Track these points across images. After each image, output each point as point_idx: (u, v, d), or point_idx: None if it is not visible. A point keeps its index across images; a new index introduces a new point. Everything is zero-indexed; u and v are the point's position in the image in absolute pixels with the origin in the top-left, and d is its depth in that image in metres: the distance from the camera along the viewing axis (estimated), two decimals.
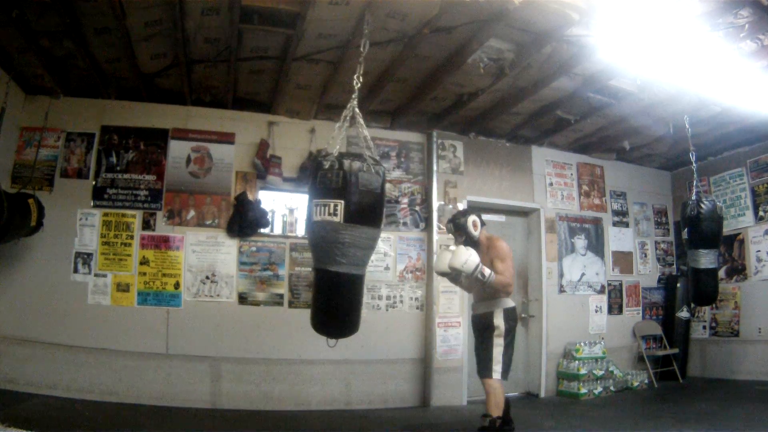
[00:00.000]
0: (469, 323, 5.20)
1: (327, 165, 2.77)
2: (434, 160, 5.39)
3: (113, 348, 4.39)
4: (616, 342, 5.93)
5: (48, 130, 4.62)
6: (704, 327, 6.17)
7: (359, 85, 3.05)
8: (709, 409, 4.53)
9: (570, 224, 6.00)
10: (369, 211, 2.78)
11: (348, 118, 2.99)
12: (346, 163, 2.74)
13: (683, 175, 6.43)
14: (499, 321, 3.56)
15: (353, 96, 3.02)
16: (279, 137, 5.03)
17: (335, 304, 2.81)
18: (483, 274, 3.40)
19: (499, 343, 3.52)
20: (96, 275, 4.51)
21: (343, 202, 2.68)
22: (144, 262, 4.60)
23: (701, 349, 6.16)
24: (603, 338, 5.78)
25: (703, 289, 4.75)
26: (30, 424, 3.15)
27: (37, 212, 4.08)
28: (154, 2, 3.39)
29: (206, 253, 4.73)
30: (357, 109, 3.01)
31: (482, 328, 3.66)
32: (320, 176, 2.77)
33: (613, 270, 6.19)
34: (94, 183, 4.66)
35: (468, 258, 3.38)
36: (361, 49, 3.13)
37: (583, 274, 5.96)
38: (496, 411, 3.37)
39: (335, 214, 2.68)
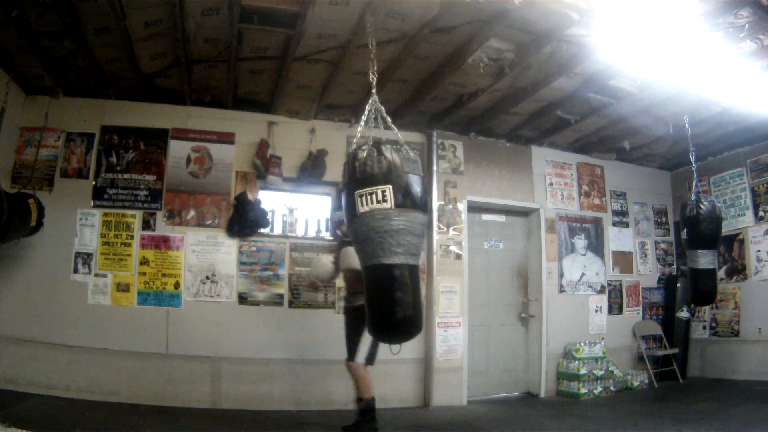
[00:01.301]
0: (469, 323, 5.26)
1: (364, 153, 2.63)
2: (434, 160, 5.39)
3: (113, 348, 4.38)
4: (616, 342, 5.93)
5: (48, 130, 4.61)
6: (704, 327, 6.17)
7: (375, 80, 3.03)
8: (709, 409, 4.52)
9: (570, 224, 6.00)
10: (417, 195, 2.62)
11: (371, 114, 2.95)
12: (385, 148, 2.61)
13: (683, 175, 6.42)
14: None
15: (373, 91, 2.99)
16: (279, 137, 5.03)
17: (398, 300, 2.52)
18: None
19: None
20: (96, 275, 4.51)
21: (391, 186, 2.53)
22: (144, 262, 4.60)
23: (701, 349, 6.16)
24: (603, 338, 5.78)
25: (702, 290, 4.75)
26: (30, 424, 3.14)
27: (37, 212, 4.08)
28: (154, 2, 3.39)
29: (206, 253, 4.73)
30: (379, 104, 2.96)
31: (356, 318, 3.61)
32: (359, 166, 2.61)
33: (613, 270, 6.19)
34: (94, 183, 4.66)
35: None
36: (370, 47, 3.12)
37: (583, 274, 5.96)
38: (368, 392, 3.57)
39: (385, 200, 2.51)
